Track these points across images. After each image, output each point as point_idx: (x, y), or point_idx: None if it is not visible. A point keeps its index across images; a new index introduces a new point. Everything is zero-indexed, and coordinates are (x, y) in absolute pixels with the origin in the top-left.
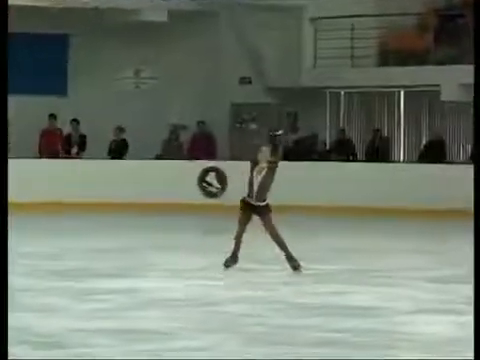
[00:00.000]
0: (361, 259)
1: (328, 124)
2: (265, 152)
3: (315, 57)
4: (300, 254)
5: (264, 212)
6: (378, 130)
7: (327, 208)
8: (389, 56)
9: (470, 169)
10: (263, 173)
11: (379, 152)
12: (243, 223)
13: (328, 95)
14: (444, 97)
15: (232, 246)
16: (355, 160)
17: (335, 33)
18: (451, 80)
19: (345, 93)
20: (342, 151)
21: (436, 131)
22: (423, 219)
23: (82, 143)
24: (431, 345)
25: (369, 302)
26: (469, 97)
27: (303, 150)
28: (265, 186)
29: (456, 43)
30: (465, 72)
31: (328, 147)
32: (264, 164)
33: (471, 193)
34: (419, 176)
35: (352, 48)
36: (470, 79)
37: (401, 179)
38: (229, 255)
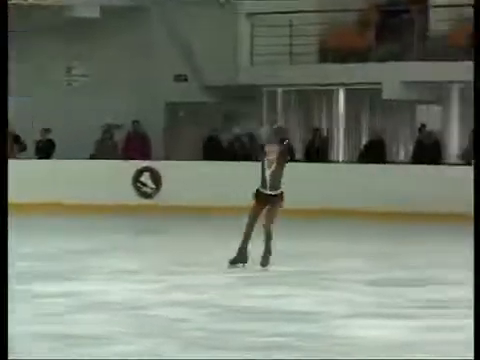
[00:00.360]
0: (304, 262)
1: (265, 123)
2: (274, 147)
3: (252, 54)
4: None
5: (277, 202)
6: (317, 129)
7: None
8: (329, 53)
9: (411, 168)
10: (273, 167)
11: (319, 152)
12: (253, 216)
13: (265, 93)
14: (385, 95)
15: (238, 242)
16: (293, 160)
17: (273, 29)
18: (393, 78)
19: (283, 91)
20: None
21: (376, 130)
22: (368, 221)
23: (18, 143)
24: (375, 350)
25: (309, 306)
26: (411, 95)
27: (239, 149)
28: (277, 176)
29: (398, 39)
30: (407, 69)
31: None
32: (272, 157)
33: (415, 194)
34: (359, 176)
35: (291, 45)
36: (412, 77)
37: (343, 180)
38: (236, 252)
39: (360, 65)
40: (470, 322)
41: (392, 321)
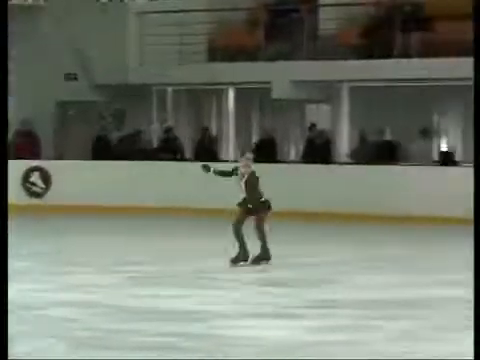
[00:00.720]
0: (192, 262)
1: (155, 122)
2: (248, 158)
3: (142, 53)
4: (133, 258)
5: (261, 210)
6: (207, 129)
7: (157, 209)
8: (218, 53)
9: (301, 167)
10: (244, 179)
11: (208, 151)
12: (239, 222)
13: (155, 92)
14: (275, 94)
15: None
16: (183, 159)
17: (162, 29)
18: (282, 77)
19: (173, 90)
20: (169, 150)
21: (267, 130)
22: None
23: None
24: (263, 350)
25: (196, 306)
26: (300, 94)
27: (127, 148)
28: (253, 187)
29: (287, 39)
30: (296, 69)
31: (155, 145)
32: (244, 170)
33: (306, 193)
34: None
35: (180, 44)
36: (301, 76)
37: (232, 179)
38: (238, 252)
39: (249, 64)
40: (357, 323)
41: (279, 321)
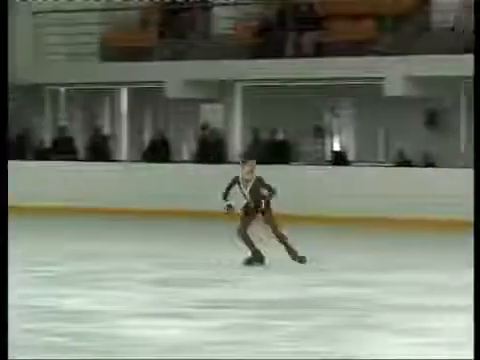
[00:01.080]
0: (85, 262)
1: (48, 122)
2: (251, 165)
3: (35, 52)
4: (34, 258)
5: (265, 210)
6: (99, 129)
7: (50, 208)
8: (111, 52)
9: (194, 167)
10: (250, 185)
11: (101, 151)
12: (244, 226)
13: (48, 92)
14: (169, 94)
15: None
16: (76, 159)
17: (55, 28)
18: (176, 76)
19: (66, 90)
20: (62, 150)
21: (160, 129)
22: (151, 220)
23: None
24: (163, 349)
25: (89, 306)
26: (194, 94)
27: (19, 148)
28: (257, 192)
29: (181, 38)
30: (190, 68)
31: (48, 145)
32: (248, 176)
33: (200, 192)
34: (144, 175)
35: (73, 44)
36: (195, 75)
37: (127, 179)
38: (251, 254)
39: (143, 64)
40: (252, 323)
41: (175, 321)
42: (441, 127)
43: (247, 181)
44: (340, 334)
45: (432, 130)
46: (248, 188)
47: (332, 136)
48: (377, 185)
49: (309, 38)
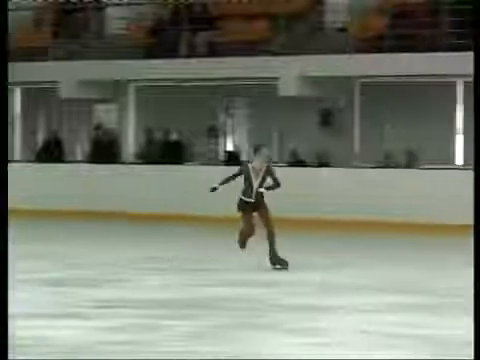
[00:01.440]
0: None
1: None
2: (264, 153)
3: None
4: None
5: (262, 204)
6: None
7: None
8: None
9: (88, 167)
10: (259, 178)
11: None
12: (249, 221)
13: None
14: (63, 94)
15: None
16: None
17: None
18: (70, 76)
19: None
20: None
21: (53, 130)
22: (51, 221)
23: None
24: (54, 350)
25: None
26: (88, 94)
27: None
28: (263, 181)
29: (75, 38)
30: (84, 68)
31: None
32: (262, 165)
33: (92, 193)
34: (37, 176)
35: None
36: (89, 75)
37: (18, 179)
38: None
39: (37, 64)
40: (136, 321)
41: (68, 321)
42: (335, 127)
43: (260, 170)
44: (231, 334)
45: (326, 130)
46: (260, 177)
47: (226, 136)
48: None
49: (203, 38)
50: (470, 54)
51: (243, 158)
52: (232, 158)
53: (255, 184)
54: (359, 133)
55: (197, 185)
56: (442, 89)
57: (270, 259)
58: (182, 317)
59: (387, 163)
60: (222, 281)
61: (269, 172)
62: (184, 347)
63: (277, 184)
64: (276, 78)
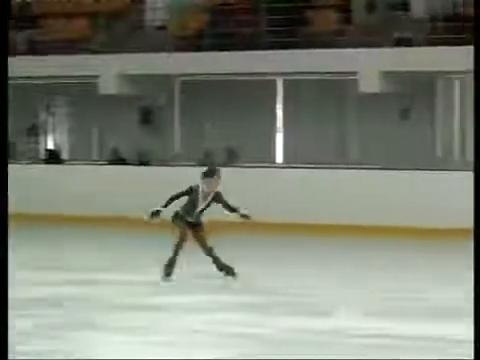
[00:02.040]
0: None
1: None
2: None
3: None
4: None
5: (201, 226)
6: None
7: None
8: None
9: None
10: (208, 199)
11: None
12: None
13: None
14: None
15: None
16: None
17: None
18: None
19: None
20: None
21: None
22: None
23: None
24: None
25: None
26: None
27: None
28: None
29: None
30: None
31: None
32: (210, 190)
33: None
34: None
35: None
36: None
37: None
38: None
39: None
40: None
41: None
42: (155, 125)
43: (208, 194)
44: (60, 333)
45: (146, 128)
46: (207, 201)
47: (47, 135)
48: (91, 183)
49: (23, 36)
50: (289, 52)
51: (64, 157)
52: (53, 157)
53: (199, 207)
54: (179, 131)
55: (23, 184)
56: (262, 87)
57: (216, 266)
58: (15, 315)
59: (206, 162)
60: (61, 280)
61: (218, 199)
62: (17, 346)
63: (233, 210)
64: (96, 76)
